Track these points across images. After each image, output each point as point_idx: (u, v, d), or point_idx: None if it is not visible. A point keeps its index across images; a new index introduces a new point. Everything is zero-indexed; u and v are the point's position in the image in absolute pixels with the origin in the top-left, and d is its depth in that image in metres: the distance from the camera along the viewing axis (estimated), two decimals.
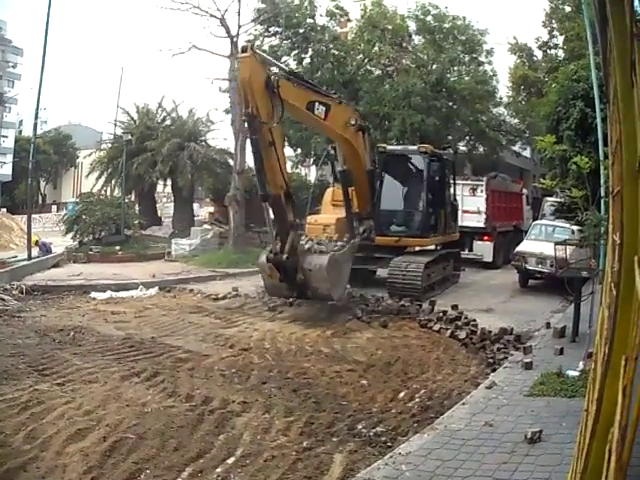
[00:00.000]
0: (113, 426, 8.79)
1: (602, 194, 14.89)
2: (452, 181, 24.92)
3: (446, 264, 23.28)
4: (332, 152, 22.20)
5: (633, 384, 2.99)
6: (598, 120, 18.70)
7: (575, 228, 18.17)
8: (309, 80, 22.07)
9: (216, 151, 41.51)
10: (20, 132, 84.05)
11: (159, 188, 49.40)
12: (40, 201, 79.91)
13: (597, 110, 19.03)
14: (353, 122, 20.43)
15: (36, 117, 31.06)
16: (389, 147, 24.29)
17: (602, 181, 15.53)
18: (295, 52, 36.99)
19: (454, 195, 25.23)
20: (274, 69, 18.65)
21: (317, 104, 18.84)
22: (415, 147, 23.78)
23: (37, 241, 29.40)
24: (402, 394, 10.97)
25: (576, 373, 10.32)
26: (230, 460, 7.94)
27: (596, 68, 18.69)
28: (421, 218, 22.13)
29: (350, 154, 21.13)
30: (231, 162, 36.58)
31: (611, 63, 4.04)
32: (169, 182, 43.68)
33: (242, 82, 16.72)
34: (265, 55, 19.11)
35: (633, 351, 2.98)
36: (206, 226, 36.65)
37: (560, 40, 42.52)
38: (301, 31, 36.15)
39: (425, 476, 6.87)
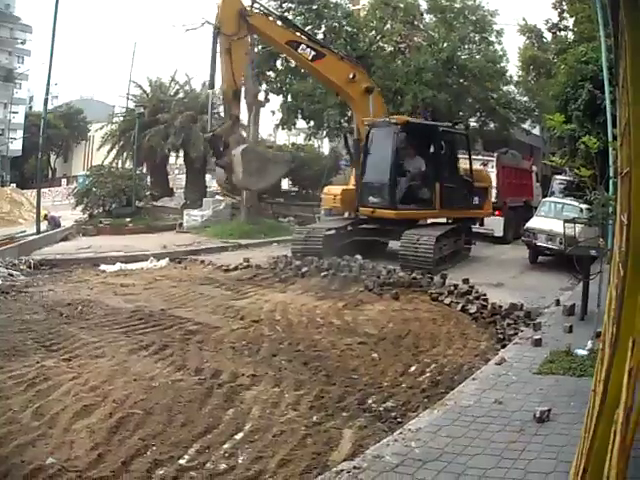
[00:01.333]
0: (120, 402, 8.67)
1: (611, 174, 14.83)
2: (460, 156, 24.35)
3: (457, 238, 23.17)
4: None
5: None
6: (607, 102, 18.67)
7: (584, 206, 18.18)
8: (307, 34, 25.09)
9: None
10: (30, 108, 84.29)
11: (171, 160, 49.35)
12: (50, 175, 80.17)
13: (606, 92, 18.96)
14: (351, 76, 22.42)
15: (47, 92, 31.06)
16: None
17: (610, 161, 15.54)
18: (308, 28, 36.81)
19: (470, 171, 24.32)
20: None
21: (303, 45, 22.42)
22: (387, 118, 23.28)
23: (46, 215, 29.41)
24: (413, 368, 10.88)
25: (585, 352, 10.28)
26: (238, 435, 7.81)
27: (607, 50, 18.60)
28: (390, 189, 21.90)
29: (359, 118, 21.54)
30: (244, 134, 36.51)
31: (622, 46, 3.87)
32: (181, 154, 43.63)
33: (216, 4, 20.66)
34: None
35: None
36: (218, 197, 36.58)
37: (570, 22, 42.39)
38: (314, 7, 36.07)
39: (434, 453, 6.77)
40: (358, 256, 20.36)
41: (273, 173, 21.83)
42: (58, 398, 8.82)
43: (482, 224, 27.50)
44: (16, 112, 79.55)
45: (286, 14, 36.09)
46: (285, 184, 46.13)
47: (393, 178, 21.73)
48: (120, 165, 40.79)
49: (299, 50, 22.37)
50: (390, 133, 22.04)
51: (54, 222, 29.25)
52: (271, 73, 38.12)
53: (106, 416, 8.19)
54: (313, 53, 22.35)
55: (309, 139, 45.15)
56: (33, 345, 11.54)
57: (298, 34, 23.18)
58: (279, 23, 23.64)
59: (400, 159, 22.12)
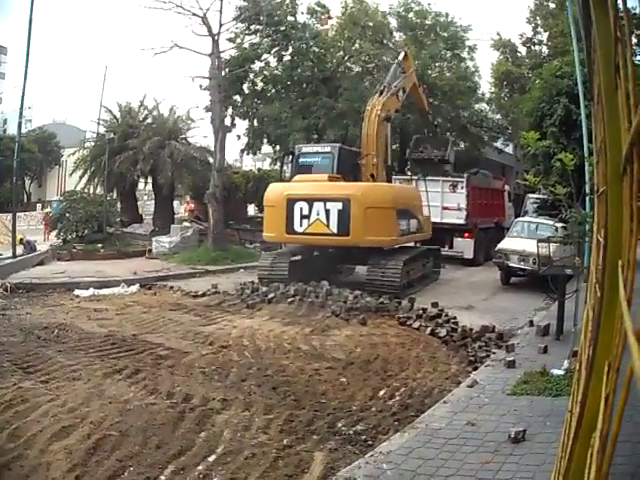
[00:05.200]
0: (97, 423, 8.70)
1: (587, 191, 14.73)
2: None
3: (426, 261, 23.22)
4: None
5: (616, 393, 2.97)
6: (582, 117, 18.43)
7: (559, 225, 18.10)
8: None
9: (196, 149, 41.21)
10: (4, 131, 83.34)
11: (140, 186, 48.97)
12: (25, 199, 79.22)
13: (582, 107, 18.80)
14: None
15: (20, 116, 30.67)
16: None
17: (587, 178, 15.38)
18: (275, 49, 36.90)
19: None
20: None
21: None
22: None
23: (22, 239, 29.08)
24: (382, 392, 10.82)
25: (561, 372, 10.11)
26: (211, 458, 7.87)
27: (580, 64, 18.46)
28: None
29: None
30: (211, 160, 36.42)
31: (595, 62, 4.01)
32: (150, 180, 43.29)
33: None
34: None
35: (616, 360, 2.95)
36: (186, 224, 36.44)
37: (544, 37, 42.72)
38: (282, 29, 36.02)
39: (407, 475, 6.75)
40: (324, 282, 20.33)
41: None
42: (36, 419, 8.81)
43: (451, 246, 27.58)
44: None
45: (254, 36, 36.37)
46: (251, 210, 46.02)
47: None
48: (92, 191, 40.39)
49: None
50: None
51: (30, 246, 28.92)
52: (237, 97, 38.05)
53: (84, 437, 8.21)
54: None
55: (274, 164, 45.07)
56: (10, 367, 11.53)
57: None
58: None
59: None
